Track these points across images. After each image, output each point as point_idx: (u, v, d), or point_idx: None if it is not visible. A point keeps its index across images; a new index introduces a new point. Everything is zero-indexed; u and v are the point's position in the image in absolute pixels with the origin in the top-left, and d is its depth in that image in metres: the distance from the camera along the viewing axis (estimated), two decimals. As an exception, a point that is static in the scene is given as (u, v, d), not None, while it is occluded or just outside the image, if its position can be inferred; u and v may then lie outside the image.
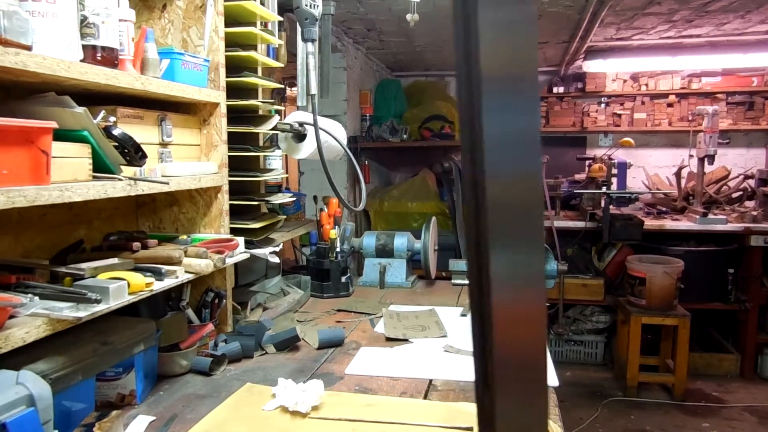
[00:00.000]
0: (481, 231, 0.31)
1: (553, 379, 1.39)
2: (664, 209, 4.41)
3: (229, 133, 1.65)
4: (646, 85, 5.17)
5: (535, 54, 0.33)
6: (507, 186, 0.32)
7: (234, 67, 1.68)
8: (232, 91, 1.67)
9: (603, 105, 5.36)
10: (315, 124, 1.73)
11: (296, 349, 1.62)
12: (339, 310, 2.03)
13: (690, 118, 5.06)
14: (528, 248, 0.33)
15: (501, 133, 0.32)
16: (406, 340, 1.68)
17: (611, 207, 3.88)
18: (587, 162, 4.69)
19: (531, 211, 0.33)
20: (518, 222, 0.33)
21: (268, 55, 1.93)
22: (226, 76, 1.62)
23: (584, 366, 4.22)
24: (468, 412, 1.20)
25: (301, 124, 1.89)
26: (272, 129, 1.80)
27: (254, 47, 1.80)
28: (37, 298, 1.04)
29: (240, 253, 1.57)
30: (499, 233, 0.31)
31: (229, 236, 1.60)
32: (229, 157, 1.65)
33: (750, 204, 4.39)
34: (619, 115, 5.27)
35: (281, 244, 1.92)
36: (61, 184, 1.01)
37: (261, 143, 1.92)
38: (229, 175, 1.65)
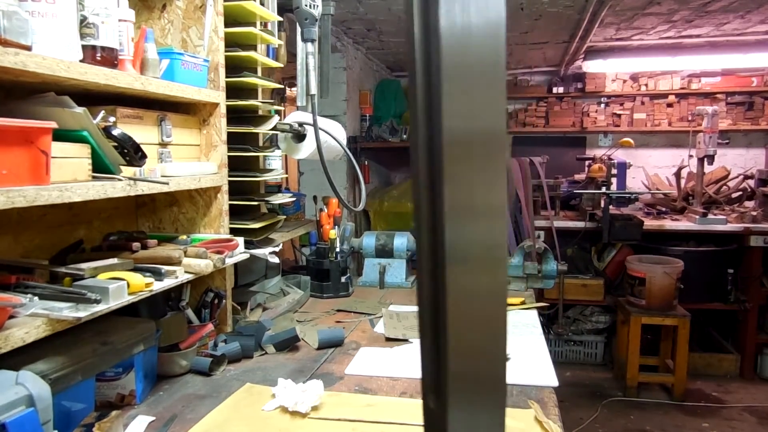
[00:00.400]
0: (438, 235, 0.30)
1: (553, 379, 1.39)
2: (663, 209, 4.41)
3: (229, 133, 1.65)
4: (646, 85, 5.17)
5: (503, 39, 0.30)
6: (467, 188, 0.30)
7: (234, 67, 1.68)
8: (232, 91, 1.67)
9: (603, 105, 5.36)
10: (315, 124, 1.73)
11: (296, 350, 1.62)
12: (339, 310, 2.03)
13: (690, 118, 5.06)
14: (489, 251, 0.31)
15: (462, 131, 0.30)
16: (405, 340, 1.68)
17: (611, 207, 3.89)
18: (587, 162, 4.69)
19: (493, 212, 0.31)
20: (477, 224, 0.31)
21: (267, 55, 1.93)
22: (226, 76, 1.62)
23: (584, 366, 4.22)
24: (468, 413, 1.20)
25: (300, 124, 1.89)
26: (272, 129, 1.80)
27: (254, 47, 1.80)
28: (36, 298, 1.04)
29: (240, 253, 1.57)
30: (456, 236, 0.30)
31: (228, 236, 1.60)
32: (229, 157, 1.65)
33: (750, 204, 4.39)
34: (619, 116, 5.27)
35: (281, 245, 1.92)
36: (60, 185, 1.01)
37: (261, 143, 1.92)
38: (229, 175, 1.65)
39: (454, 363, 0.30)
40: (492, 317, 0.31)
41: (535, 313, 1.96)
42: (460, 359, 0.31)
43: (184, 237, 1.53)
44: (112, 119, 1.24)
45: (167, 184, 1.31)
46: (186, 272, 1.32)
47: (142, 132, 1.35)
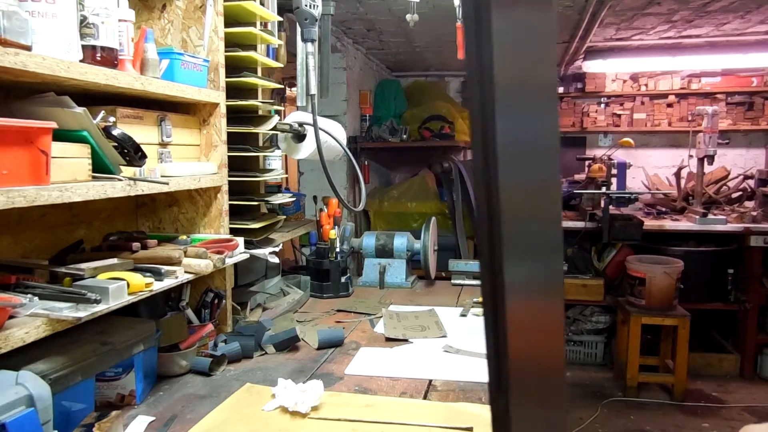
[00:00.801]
0: (495, 238, 0.30)
1: (552, 379, 1.39)
2: (663, 209, 4.41)
3: (229, 134, 1.65)
4: (646, 85, 5.17)
5: (554, 57, 0.31)
6: (522, 193, 0.31)
7: (234, 67, 1.68)
8: (232, 91, 1.67)
9: (603, 105, 5.36)
10: (315, 125, 1.73)
11: (296, 350, 1.62)
12: (339, 311, 2.03)
13: (690, 118, 5.06)
14: (546, 255, 0.32)
15: (515, 139, 0.30)
16: (405, 341, 1.68)
17: (611, 207, 3.88)
18: (587, 162, 4.69)
19: (548, 218, 0.32)
20: (534, 229, 0.31)
21: (267, 55, 1.93)
22: (226, 76, 1.62)
23: (584, 366, 4.22)
24: (468, 413, 1.20)
25: (300, 125, 1.89)
26: (272, 129, 1.80)
27: (254, 47, 1.80)
28: (36, 298, 1.04)
29: (240, 253, 1.57)
30: (514, 242, 0.30)
31: (228, 236, 1.60)
32: (229, 157, 1.65)
33: (749, 204, 4.39)
34: (619, 116, 5.27)
35: (281, 245, 1.92)
36: (60, 185, 1.01)
37: (261, 143, 1.92)
38: (229, 176, 1.65)
39: (514, 360, 0.31)
40: (548, 313, 0.31)
41: (535, 313, 1.96)
42: (521, 356, 0.31)
43: (184, 237, 1.53)
44: (112, 119, 1.24)
45: (167, 184, 1.31)
46: (186, 272, 1.32)
47: (142, 132, 1.35)
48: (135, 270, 1.21)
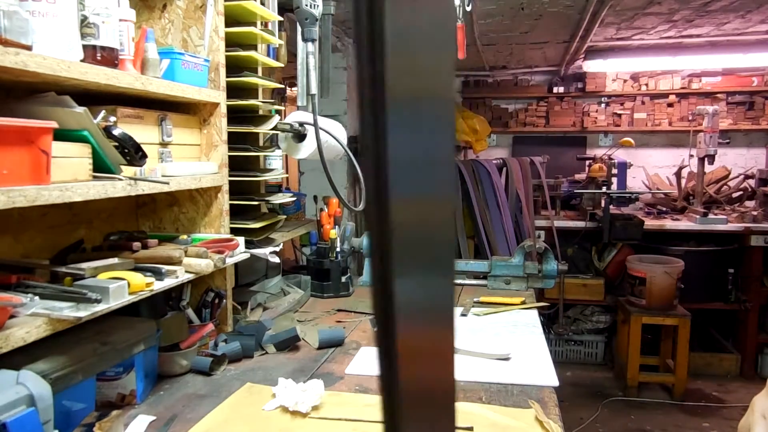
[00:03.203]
0: (384, 256, 0.29)
1: (553, 379, 1.39)
2: (664, 209, 4.41)
3: (229, 133, 1.65)
4: (646, 85, 5.16)
5: (452, 68, 0.29)
6: (414, 209, 0.29)
7: (234, 67, 1.68)
8: (233, 91, 1.67)
9: (603, 105, 5.36)
10: (315, 124, 1.73)
11: (296, 349, 1.62)
12: (339, 310, 2.03)
13: (690, 118, 5.06)
14: (437, 275, 0.30)
15: (408, 154, 0.28)
16: (406, 340, 1.68)
17: (611, 207, 3.89)
18: (587, 162, 4.69)
19: (441, 237, 0.31)
20: (426, 248, 0.30)
21: (268, 55, 1.93)
22: (226, 76, 1.62)
23: (584, 366, 4.22)
24: (468, 412, 1.20)
25: (301, 124, 1.89)
26: (272, 129, 1.80)
27: (254, 47, 1.80)
28: (37, 298, 1.04)
29: (240, 253, 1.57)
30: (404, 259, 0.29)
31: (229, 236, 1.60)
32: (230, 157, 1.65)
33: (750, 204, 4.39)
34: (619, 115, 5.27)
35: (281, 244, 1.92)
36: (61, 184, 1.01)
37: (261, 143, 1.92)
38: (230, 175, 1.65)
39: (406, 390, 0.29)
40: (441, 347, 0.30)
41: (535, 312, 1.96)
42: (412, 386, 0.30)
43: (185, 237, 1.53)
44: (112, 119, 1.24)
45: (168, 183, 1.31)
46: (186, 272, 1.32)
47: (143, 132, 1.35)
48: (135, 270, 1.21)
